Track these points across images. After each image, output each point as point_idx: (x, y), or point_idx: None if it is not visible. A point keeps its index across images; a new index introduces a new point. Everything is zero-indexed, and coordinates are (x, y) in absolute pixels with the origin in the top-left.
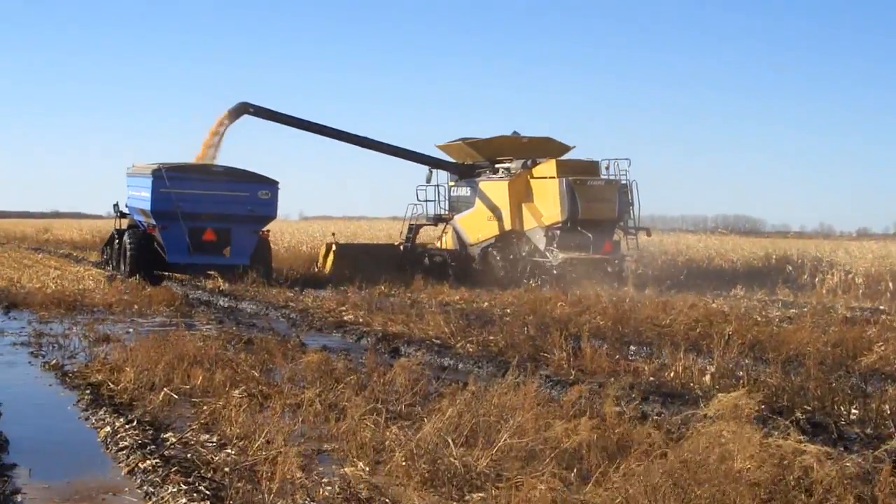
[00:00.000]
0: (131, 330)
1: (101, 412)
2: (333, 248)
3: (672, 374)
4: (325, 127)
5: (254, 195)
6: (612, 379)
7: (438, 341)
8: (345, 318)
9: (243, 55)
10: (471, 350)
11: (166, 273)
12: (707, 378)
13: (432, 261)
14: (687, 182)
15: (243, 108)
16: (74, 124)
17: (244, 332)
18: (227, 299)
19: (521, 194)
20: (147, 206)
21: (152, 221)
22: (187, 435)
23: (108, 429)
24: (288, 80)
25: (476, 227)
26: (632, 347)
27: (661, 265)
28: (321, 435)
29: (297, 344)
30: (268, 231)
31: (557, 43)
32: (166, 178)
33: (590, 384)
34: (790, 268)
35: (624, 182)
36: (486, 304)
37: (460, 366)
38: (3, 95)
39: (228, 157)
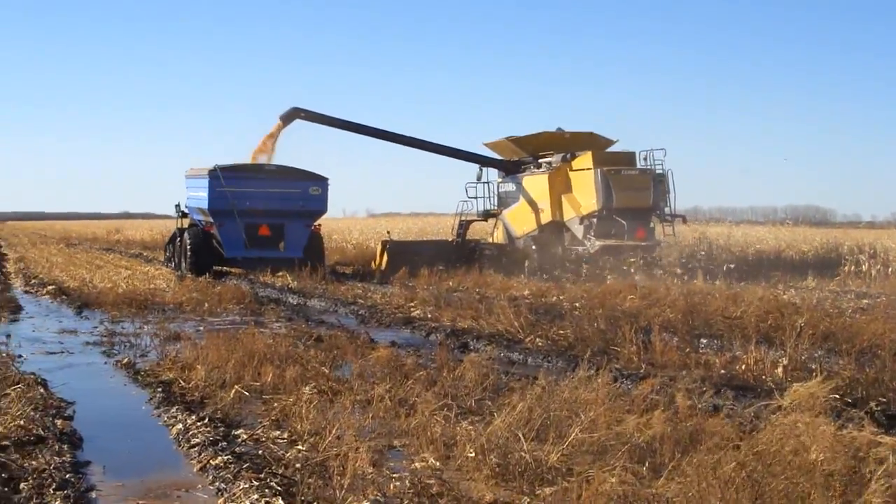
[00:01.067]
0: (201, 328)
1: (173, 410)
2: (388, 245)
3: (743, 367)
4: (375, 129)
5: (305, 191)
6: (684, 372)
7: (507, 336)
8: (413, 313)
9: (296, 59)
10: (540, 345)
11: (225, 268)
12: (779, 370)
13: (483, 255)
14: (757, 173)
15: (295, 114)
16: (146, 127)
17: (314, 328)
18: (296, 297)
19: (561, 186)
20: (205, 204)
21: (210, 219)
22: (258, 432)
23: (179, 426)
24: (339, 84)
25: (521, 219)
26: (702, 340)
27: (728, 257)
28: (391, 431)
29: (366, 340)
30: (319, 225)
31: (606, 40)
32: (222, 177)
33: (661, 378)
34: (862, 258)
35: (660, 171)
36: (555, 297)
37: (530, 360)
38: (77, 99)
39: (290, 158)
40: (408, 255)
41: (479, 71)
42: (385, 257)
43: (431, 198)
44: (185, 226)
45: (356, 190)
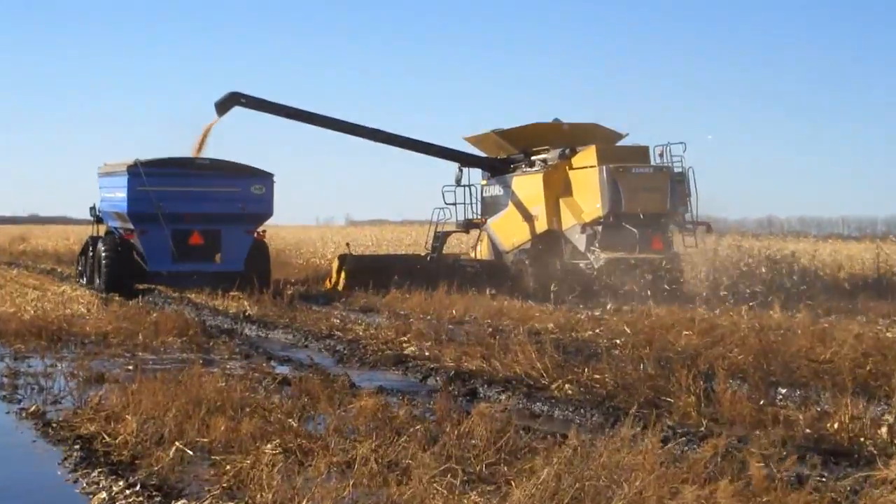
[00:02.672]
0: (133, 367)
1: (95, 473)
2: (346, 260)
3: (836, 426)
4: (329, 118)
5: (246, 190)
6: (758, 431)
7: (528, 381)
8: (406, 350)
9: (235, 44)
10: (570, 393)
11: (148, 286)
12: (883, 431)
13: (465, 273)
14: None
15: (233, 100)
16: (58, 116)
17: (278, 369)
18: (254, 327)
19: (559, 188)
20: (123, 207)
21: (129, 226)
22: (206, 503)
23: (103, 495)
24: (286, 71)
25: (510, 230)
26: (781, 390)
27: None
28: (379, 503)
29: (345, 384)
30: (264, 232)
31: (606, 20)
32: (143, 174)
33: (728, 438)
34: None
35: (679, 170)
36: (588, 332)
37: (557, 413)
38: None
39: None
40: (371, 273)
41: (457, 54)
42: (342, 275)
43: (428, 203)
44: (101, 233)
45: (333, 193)
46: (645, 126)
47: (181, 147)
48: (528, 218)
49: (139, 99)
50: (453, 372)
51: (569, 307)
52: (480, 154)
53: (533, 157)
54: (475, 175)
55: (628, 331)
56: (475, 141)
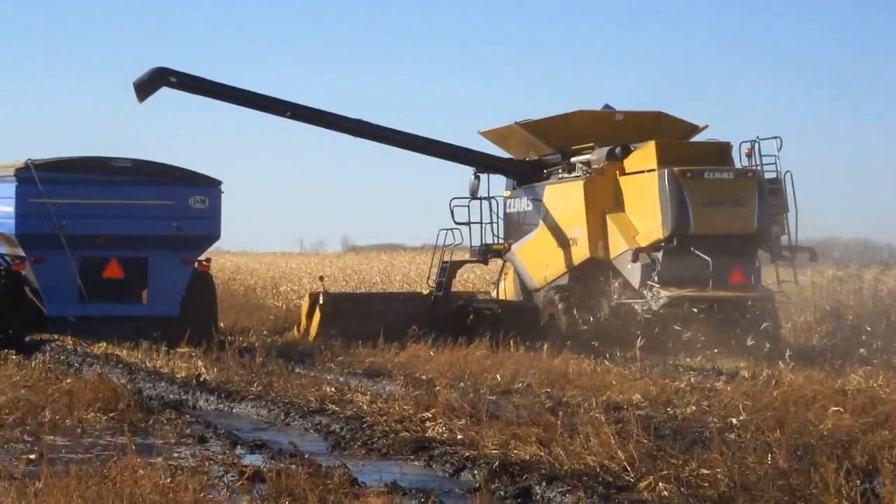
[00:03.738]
0: (37, 457)
1: None
2: (320, 301)
3: None
4: (290, 103)
5: (182, 204)
6: None
7: (606, 477)
8: (431, 432)
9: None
10: (667, 494)
11: (46, 336)
12: None
13: (479, 317)
14: None
15: (159, 78)
16: None
17: (246, 458)
18: (212, 398)
19: (606, 201)
20: (10, 227)
21: (19, 252)
22: None
23: None
24: (242, 52)
25: (541, 259)
26: None
27: None
28: None
29: (344, 480)
30: (208, 261)
31: None
32: (38, 180)
33: None
34: None
35: (772, 175)
36: (691, 406)
37: None
38: None
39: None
40: (354, 317)
41: (473, 23)
42: (315, 318)
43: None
44: None
45: (326, 210)
46: (729, 119)
47: (97, 146)
48: (565, 243)
49: (39, 80)
50: (498, 463)
51: (645, 370)
52: (503, 155)
53: (573, 160)
54: (497, 184)
55: (749, 406)
56: (496, 137)
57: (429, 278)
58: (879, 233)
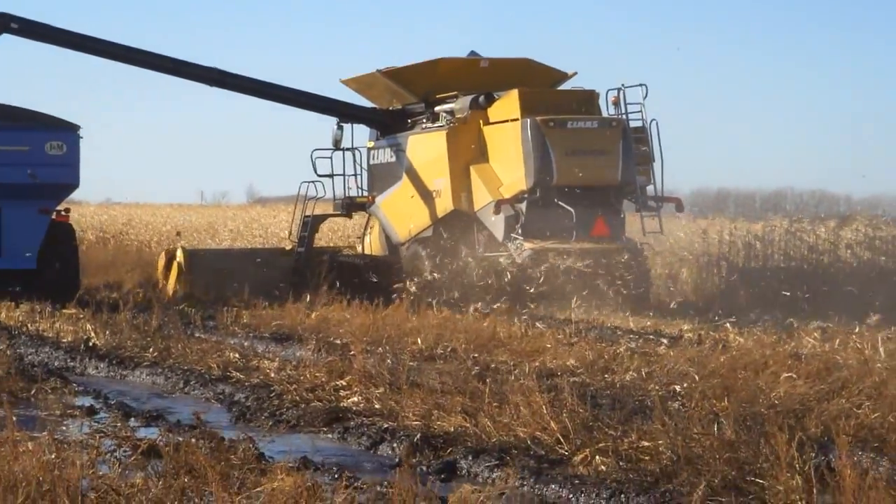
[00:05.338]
0: None
1: None
2: (178, 258)
3: None
4: (140, 51)
5: (38, 149)
6: None
7: (537, 450)
8: (346, 401)
9: None
10: (604, 468)
11: None
12: None
13: (342, 272)
14: None
15: (1, 24)
16: None
17: (141, 431)
18: (103, 364)
19: (469, 151)
20: None
21: None
22: None
23: None
24: None
25: (406, 212)
26: None
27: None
28: None
29: (249, 455)
30: (67, 212)
31: None
32: None
33: None
34: None
35: (638, 123)
36: (631, 373)
37: (581, 500)
38: None
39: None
40: (213, 274)
41: None
42: (172, 276)
43: None
44: None
45: (231, 163)
46: (599, 66)
47: None
48: (428, 195)
49: None
50: (420, 435)
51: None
52: (367, 104)
53: (437, 109)
54: (362, 135)
55: (694, 372)
56: (358, 86)
57: (290, 233)
58: (835, 185)
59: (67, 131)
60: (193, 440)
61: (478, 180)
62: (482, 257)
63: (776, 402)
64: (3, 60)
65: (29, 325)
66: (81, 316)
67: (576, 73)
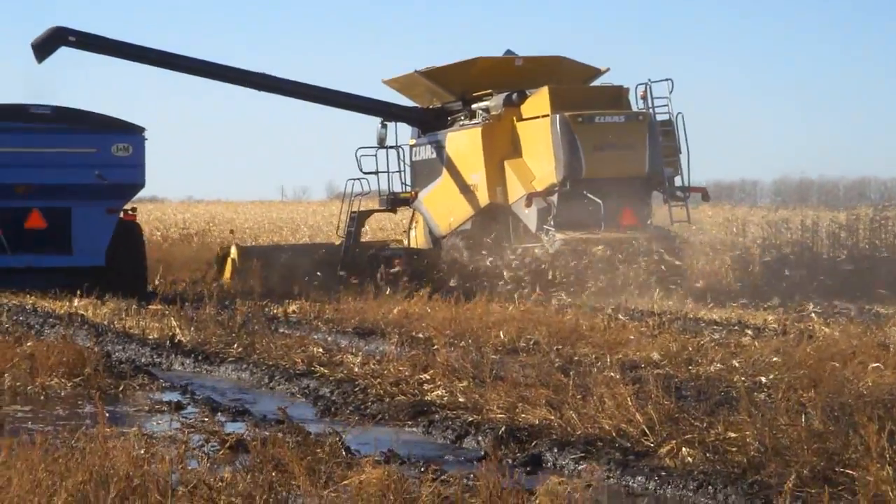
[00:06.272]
0: None
1: None
2: (232, 255)
3: None
4: (193, 59)
5: (105, 151)
6: None
7: (622, 442)
8: (430, 395)
9: None
10: (690, 460)
11: None
12: None
13: (389, 266)
14: None
15: (57, 38)
16: None
17: (228, 426)
18: (189, 361)
19: (504, 146)
20: None
21: None
22: None
23: None
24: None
25: (446, 206)
26: None
27: None
28: None
29: (336, 449)
30: (133, 211)
31: None
32: None
33: None
34: None
35: (665, 117)
36: (716, 364)
37: (669, 493)
38: None
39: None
40: (264, 269)
41: None
42: (227, 271)
43: None
44: None
45: (311, 158)
46: (632, 62)
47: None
48: (466, 189)
49: None
50: (504, 428)
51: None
52: (409, 104)
53: (473, 106)
54: (406, 133)
55: (780, 363)
56: (399, 86)
57: (338, 229)
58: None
59: (133, 133)
60: (280, 434)
61: (512, 174)
62: (517, 248)
63: (864, 392)
64: (99, 65)
65: (116, 322)
66: (167, 312)
67: (608, 69)
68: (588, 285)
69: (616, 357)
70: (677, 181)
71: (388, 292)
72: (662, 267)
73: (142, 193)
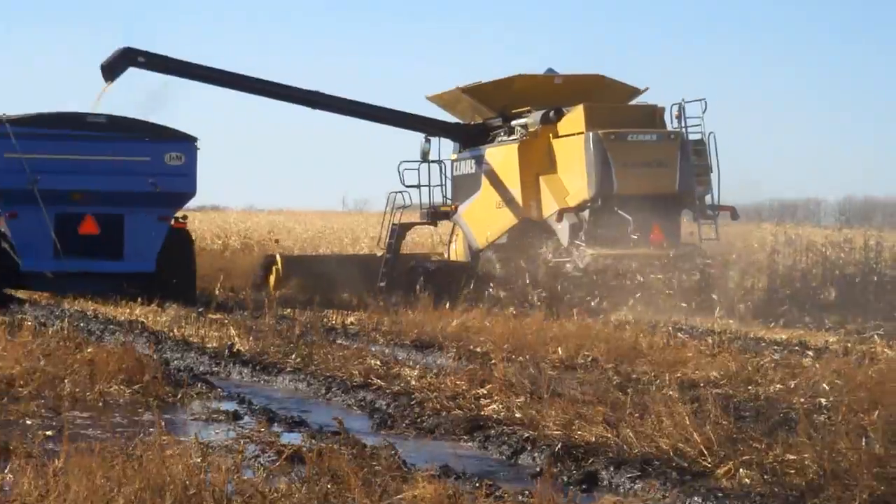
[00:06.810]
0: (55, 433)
1: None
2: (276, 264)
3: None
4: (253, 79)
5: (158, 160)
6: None
7: (680, 461)
8: (487, 409)
9: None
10: (748, 481)
11: (21, 292)
12: None
13: (428, 278)
14: None
15: (127, 59)
16: None
17: (284, 437)
18: (247, 370)
19: (540, 162)
20: None
21: None
22: None
23: None
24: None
25: (483, 220)
26: None
27: None
28: None
29: (391, 463)
30: (185, 219)
31: None
32: (13, 135)
33: None
34: None
35: (697, 136)
36: (775, 385)
37: None
38: None
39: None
40: (307, 279)
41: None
42: (271, 280)
43: None
44: None
45: (373, 168)
46: (671, 81)
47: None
48: (503, 203)
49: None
50: (561, 445)
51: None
52: (451, 119)
53: (512, 123)
54: (449, 148)
55: (840, 384)
56: (443, 102)
57: (379, 241)
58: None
59: (186, 143)
60: (336, 446)
61: (546, 190)
62: (549, 262)
63: None
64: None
65: (175, 330)
66: (226, 321)
67: (647, 89)
68: (619, 300)
69: (675, 375)
70: (707, 199)
71: (446, 305)
72: (695, 282)
73: (203, 202)
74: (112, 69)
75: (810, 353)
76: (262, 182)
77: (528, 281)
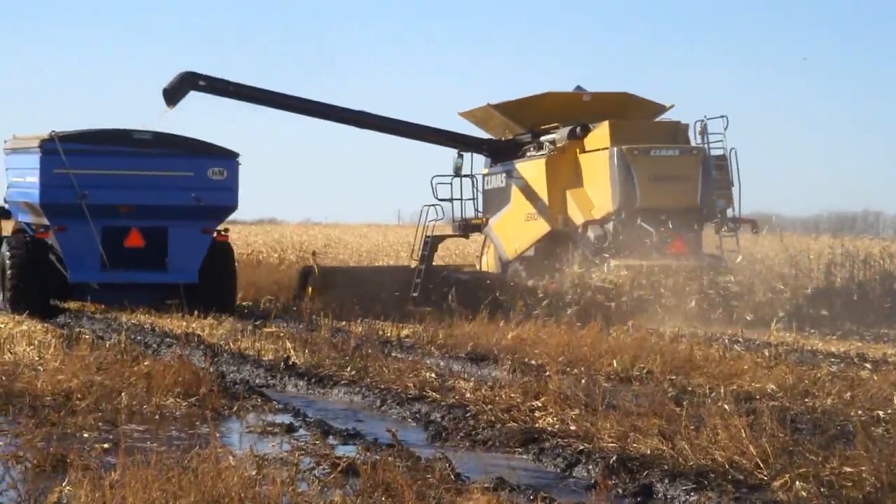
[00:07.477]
0: (111, 445)
1: None
2: (314, 273)
3: None
4: (311, 102)
5: (201, 175)
6: None
7: (735, 474)
8: (541, 422)
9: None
10: (805, 495)
11: (68, 302)
12: None
13: (461, 289)
14: None
15: (188, 83)
16: None
17: (339, 449)
18: (302, 383)
19: (567, 176)
20: (34, 196)
21: (44, 221)
22: None
23: None
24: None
25: (512, 232)
26: None
27: None
28: None
29: (445, 475)
30: (226, 231)
31: None
32: (62, 151)
33: None
34: None
35: (720, 151)
36: (832, 397)
37: None
38: None
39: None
40: (344, 290)
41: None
42: (308, 291)
43: None
44: (8, 232)
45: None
46: (695, 99)
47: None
48: (531, 216)
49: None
50: (615, 458)
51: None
52: (483, 135)
53: (542, 138)
54: (480, 163)
55: None
56: (475, 119)
57: (412, 252)
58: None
59: (228, 158)
60: (390, 459)
61: (573, 203)
62: (574, 273)
63: None
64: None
65: (231, 343)
66: (282, 334)
67: (673, 106)
68: (645, 310)
69: (730, 388)
70: (729, 213)
71: (493, 319)
72: (717, 292)
73: (261, 215)
74: (173, 94)
75: (868, 365)
76: (318, 196)
77: (556, 291)
